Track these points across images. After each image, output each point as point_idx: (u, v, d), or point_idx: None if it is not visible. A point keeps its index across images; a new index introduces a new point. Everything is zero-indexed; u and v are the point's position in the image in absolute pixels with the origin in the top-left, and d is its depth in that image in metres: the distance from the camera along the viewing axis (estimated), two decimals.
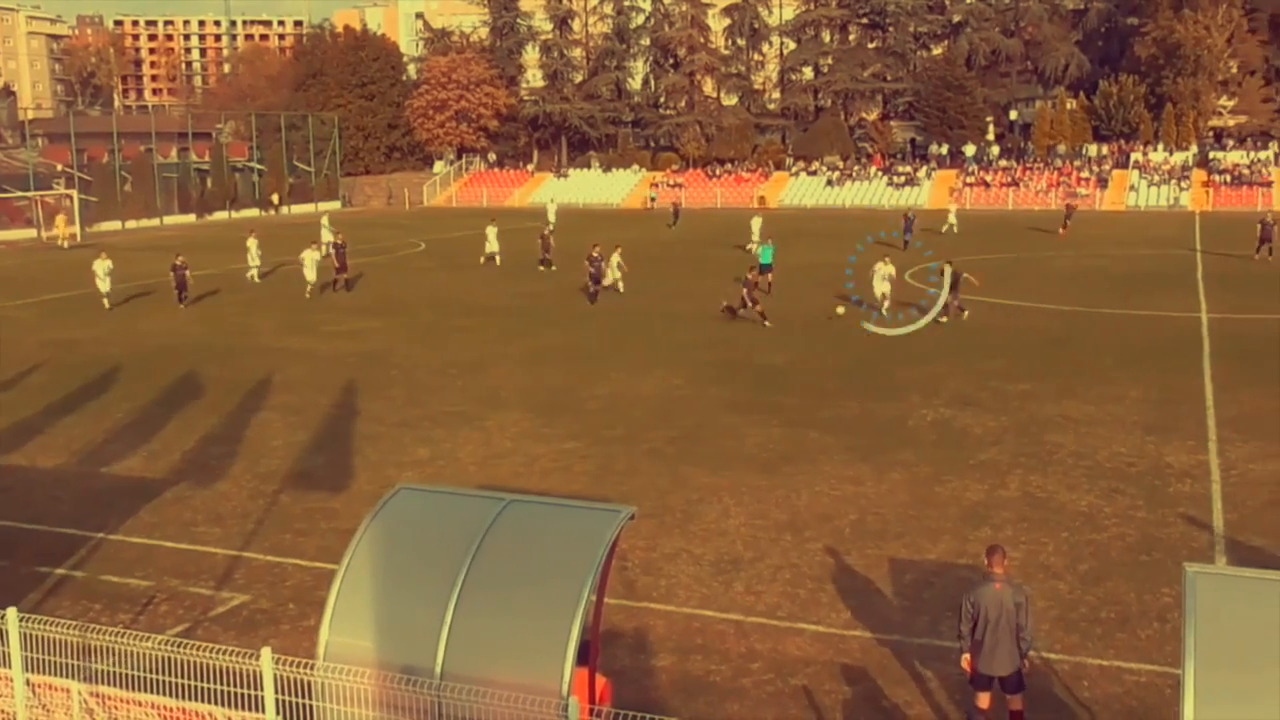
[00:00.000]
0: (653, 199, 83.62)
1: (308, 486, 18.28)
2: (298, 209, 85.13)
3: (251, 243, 43.84)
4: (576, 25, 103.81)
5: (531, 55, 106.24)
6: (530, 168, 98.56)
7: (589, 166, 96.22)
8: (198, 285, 39.32)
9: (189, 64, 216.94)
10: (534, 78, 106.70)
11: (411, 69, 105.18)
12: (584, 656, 9.27)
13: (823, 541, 15.40)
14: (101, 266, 37.40)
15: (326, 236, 51.98)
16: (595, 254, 37.57)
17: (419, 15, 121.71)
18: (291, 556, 15.29)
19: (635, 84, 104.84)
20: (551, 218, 63.86)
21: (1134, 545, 15.05)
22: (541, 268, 44.63)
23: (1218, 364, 25.88)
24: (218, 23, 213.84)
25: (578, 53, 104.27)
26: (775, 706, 11.17)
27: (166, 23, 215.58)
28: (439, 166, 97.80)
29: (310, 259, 39.28)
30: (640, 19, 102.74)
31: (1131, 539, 15.28)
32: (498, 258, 46.99)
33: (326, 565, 14.19)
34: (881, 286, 33.22)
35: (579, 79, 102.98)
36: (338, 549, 12.13)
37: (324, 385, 25.45)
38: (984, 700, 10.21)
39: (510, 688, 8.18)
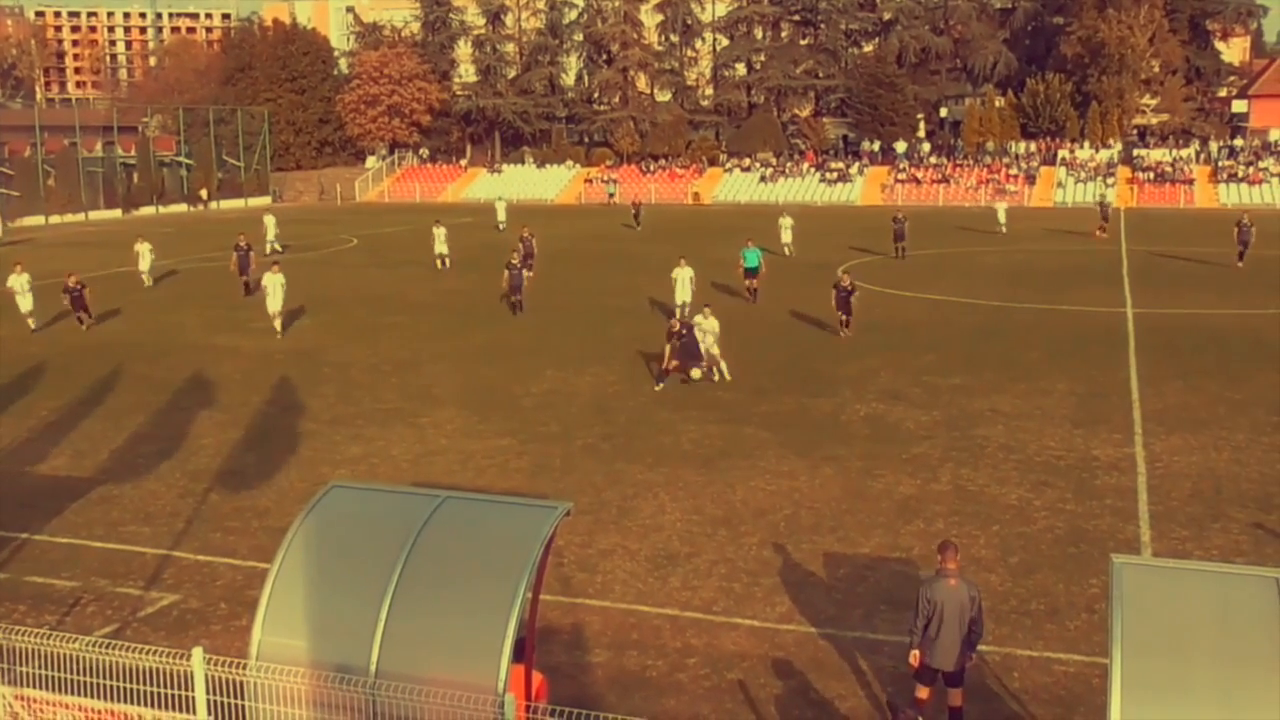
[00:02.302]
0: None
1: (239, 485, 18.04)
2: (227, 204, 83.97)
3: (142, 247, 40.57)
4: (509, 20, 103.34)
5: (464, 50, 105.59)
6: (463, 163, 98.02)
7: (523, 162, 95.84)
8: (122, 283, 38.62)
9: (114, 57, 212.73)
10: (466, 72, 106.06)
11: (343, 63, 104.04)
12: (520, 653, 9.25)
13: (758, 536, 15.49)
14: (19, 281, 31.93)
15: (271, 235, 50.76)
16: (515, 261, 34.62)
17: (349, 9, 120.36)
18: (222, 555, 15.09)
19: (569, 79, 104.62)
20: (502, 216, 62.33)
21: (1063, 537, 15.31)
22: (528, 273, 37.49)
23: (1143, 358, 26.40)
24: (143, 15, 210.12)
25: (510, 48, 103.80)
26: (711, 701, 11.22)
27: (90, 14, 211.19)
28: (371, 162, 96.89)
29: (275, 285, 30.90)
30: (573, 14, 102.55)
31: (1060, 531, 15.54)
32: (446, 260, 44.86)
33: (258, 564, 14.03)
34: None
35: (512, 74, 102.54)
36: (270, 548, 11.99)
37: (255, 383, 25.13)
38: (925, 692, 10.33)
39: (446, 685, 8.14)
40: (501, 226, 60.41)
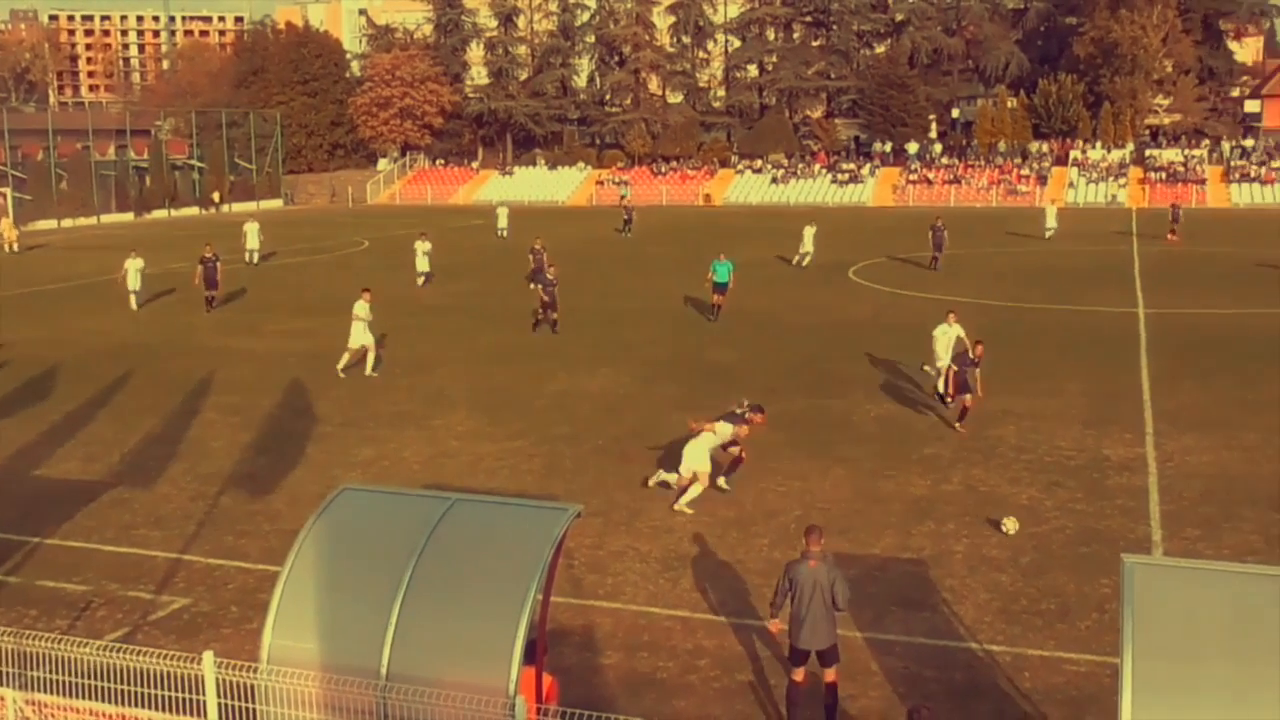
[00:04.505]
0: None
1: (250, 488, 18.07)
2: (239, 207, 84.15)
3: (132, 263, 36.15)
4: (521, 22, 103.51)
5: (476, 52, 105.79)
6: (475, 165, 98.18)
7: (534, 164, 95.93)
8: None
9: (126, 60, 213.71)
10: (478, 75, 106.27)
11: (355, 66, 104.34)
12: (531, 655, 9.24)
13: (769, 538, 15.48)
14: None
15: (253, 244, 47.17)
16: (551, 276, 31.27)
17: (362, 12, 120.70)
18: (234, 559, 15.12)
19: (580, 81, 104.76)
20: (503, 223, 57.98)
21: (1074, 537, 15.27)
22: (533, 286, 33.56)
23: (1154, 358, 26.30)
24: (156, 18, 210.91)
25: (522, 50, 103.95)
26: (722, 702, 11.21)
27: (103, 18, 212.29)
28: (383, 164, 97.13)
29: (364, 312, 26.16)
30: (585, 16, 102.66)
31: (1071, 531, 15.50)
32: (423, 279, 40.33)
33: (269, 567, 14.04)
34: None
35: (524, 76, 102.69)
36: (281, 551, 12.01)
37: (266, 385, 25.17)
38: (800, 674, 10.62)
39: (457, 688, 8.14)
40: (503, 233, 57.22)
